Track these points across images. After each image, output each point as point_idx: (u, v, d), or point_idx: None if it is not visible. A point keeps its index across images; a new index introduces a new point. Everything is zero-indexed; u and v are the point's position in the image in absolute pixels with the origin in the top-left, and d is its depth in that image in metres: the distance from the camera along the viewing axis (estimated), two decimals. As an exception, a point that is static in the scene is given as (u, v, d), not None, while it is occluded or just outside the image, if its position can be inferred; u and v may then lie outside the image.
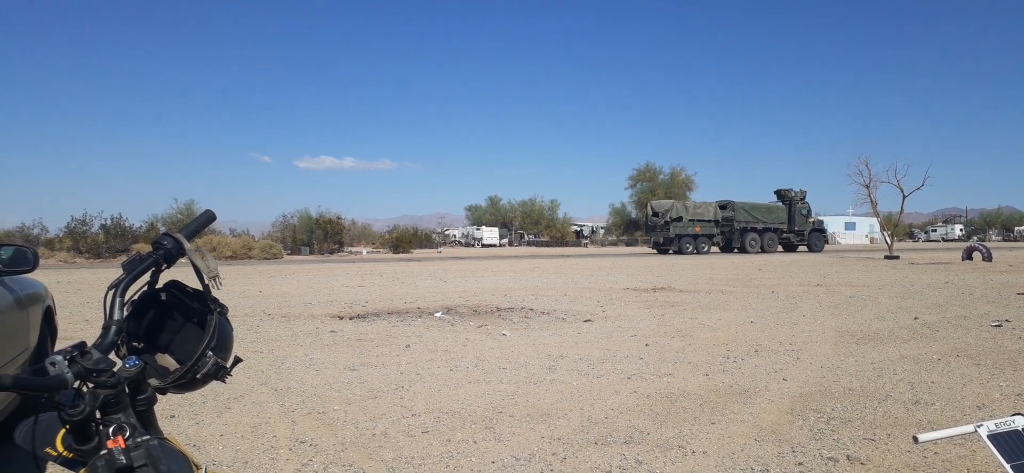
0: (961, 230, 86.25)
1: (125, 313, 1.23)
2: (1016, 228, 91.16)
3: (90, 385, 1.09)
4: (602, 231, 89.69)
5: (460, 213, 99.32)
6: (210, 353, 1.24)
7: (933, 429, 3.46)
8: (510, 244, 79.24)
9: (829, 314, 9.90)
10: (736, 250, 42.35)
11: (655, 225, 43.03)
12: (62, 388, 1.05)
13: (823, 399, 4.90)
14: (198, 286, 1.33)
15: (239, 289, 15.98)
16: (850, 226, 72.58)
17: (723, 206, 43.37)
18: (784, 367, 6.06)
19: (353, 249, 54.66)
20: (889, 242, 35.71)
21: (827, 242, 47.52)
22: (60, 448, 1.17)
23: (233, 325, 1.37)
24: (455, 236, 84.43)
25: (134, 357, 1.18)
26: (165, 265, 1.32)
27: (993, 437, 2.12)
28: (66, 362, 1.07)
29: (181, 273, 1.34)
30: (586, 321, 9.44)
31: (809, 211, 44.34)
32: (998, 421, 2.15)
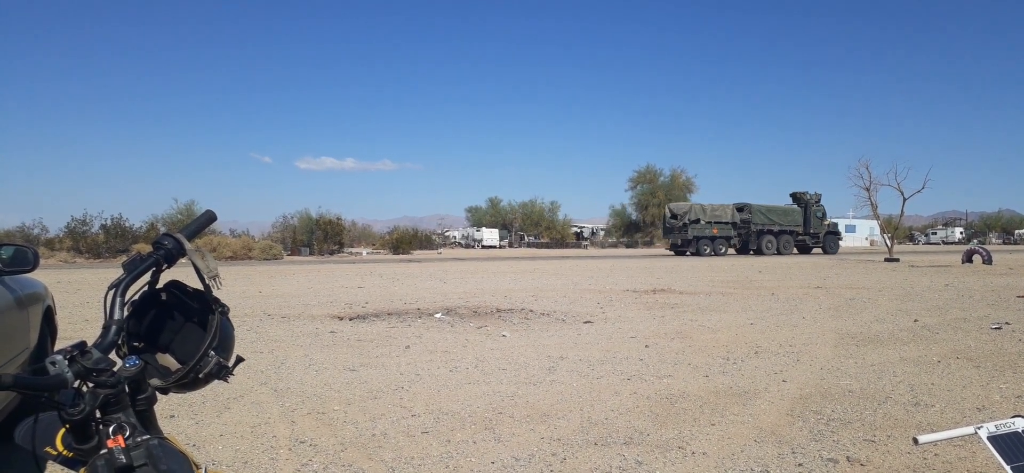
0: (961, 233, 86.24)
1: (125, 313, 1.23)
2: (1016, 231, 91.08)
3: (90, 385, 1.09)
4: (602, 233, 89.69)
5: (460, 214, 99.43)
6: (212, 353, 1.24)
7: (933, 431, 3.46)
8: (510, 245, 79.24)
9: (829, 316, 9.90)
10: (752, 252, 42.61)
11: (673, 227, 43.32)
12: (62, 387, 1.05)
13: (823, 401, 4.89)
14: (198, 286, 1.33)
15: (239, 289, 15.98)
16: (850, 228, 72.53)
17: (740, 208, 43.65)
18: (784, 369, 6.05)
19: (353, 250, 54.67)
20: (889, 245, 35.70)
21: (841, 242, 47.64)
22: (60, 447, 1.17)
23: (233, 325, 1.37)
24: (455, 237, 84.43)
25: (134, 357, 1.18)
26: (165, 265, 1.32)
27: (993, 439, 2.12)
28: (66, 361, 1.07)
29: (182, 273, 1.34)
30: (586, 322, 9.44)
31: (824, 214, 44.62)
32: (998, 423, 2.15)
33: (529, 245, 79.37)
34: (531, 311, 10.88)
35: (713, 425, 4.32)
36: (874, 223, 50.61)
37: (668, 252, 45.89)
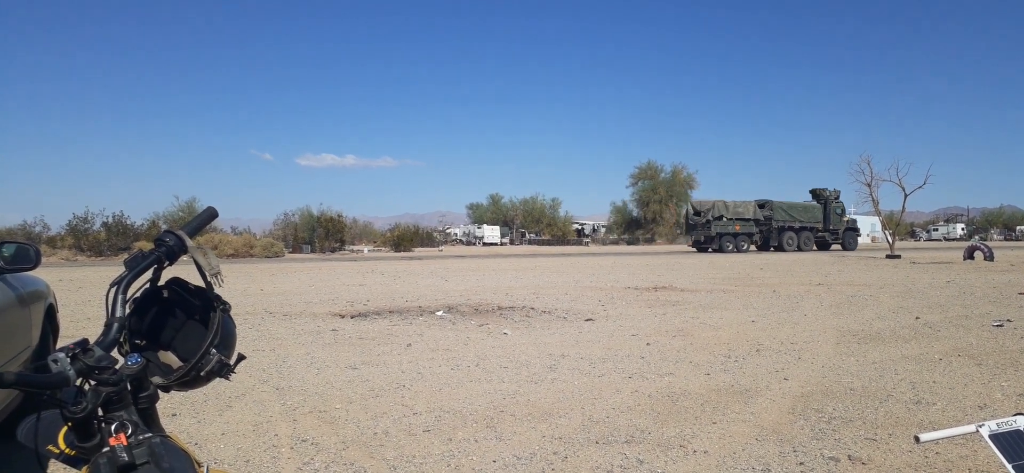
0: (963, 229, 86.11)
1: (127, 310, 1.23)
2: (1018, 227, 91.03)
3: (92, 382, 1.09)
4: (603, 230, 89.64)
5: (461, 211, 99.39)
6: (214, 350, 1.24)
7: (934, 429, 3.46)
8: (511, 243, 79.24)
9: (830, 314, 9.89)
10: (772, 248, 43.09)
11: (696, 224, 43.70)
12: (64, 385, 1.05)
13: (824, 399, 4.89)
14: (200, 283, 1.33)
15: (241, 287, 15.99)
16: (852, 225, 72.49)
17: (762, 205, 44.05)
18: (785, 367, 6.05)
19: (354, 247, 54.69)
20: (891, 241, 35.67)
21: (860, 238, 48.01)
22: (62, 445, 1.17)
23: (235, 323, 1.37)
24: (456, 235, 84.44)
25: (136, 354, 1.18)
26: (167, 262, 1.32)
27: (995, 437, 2.12)
28: (68, 359, 1.07)
29: (183, 271, 1.34)
30: (587, 320, 9.44)
31: (843, 210, 44.92)
32: (1000, 421, 2.15)
33: (530, 242, 79.37)
34: (532, 309, 10.89)
35: (714, 423, 4.32)
36: (875, 219, 50.60)
37: (669, 249, 46.10)
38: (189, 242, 1.33)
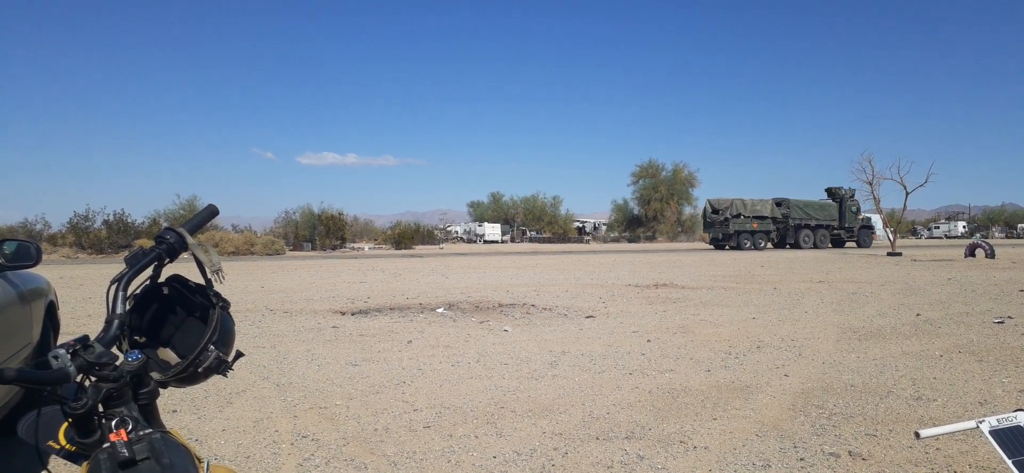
0: (964, 227, 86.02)
1: (127, 307, 1.23)
2: (1019, 225, 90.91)
3: (92, 379, 1.09)
4: (604, 228, 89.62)
5: (462, 209, 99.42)
6: (212, 347, 1.24)
7: (935, 425, 3.46)
8: (512, 240, 79.23)
9: (831, 310, 9.89)
10: (789, 246, 43.52)
11: (714, 221, 44.09)
12: (65, 382, 1.05)
13: (825, 395, 4.89)
14: (200, 280, 1.33)
15: (241, 285, 16.01)
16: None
17: (779, 203, 44.46)
18: (786, 363, 6.05)
19: (355, 245, 54.71)
20: (892, 239, 35.64)
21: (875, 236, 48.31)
22: (63, 441, 1.17)
23: (235, 320, 1.37)
24: (457, 232, 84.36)
25: (136, 351, 1.18)
26: (168, 259, 1.32)
27: (995, 433, 2.12)
28: (69, 356, 1.07)
29: (184, 268, 1.34)
30: (588, 317, 9.44)
31: (858, 208, 45.16)
32: (1000, 417, 2.15)
33: (531, 240, 79.34)
34: (533, 306, 10.89)
35: (715, 419, 4.32)
36: (877, 217, 50.64)
37: (670, 246, 46.28)
38: (190, 239, 1.33)
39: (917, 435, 2.18)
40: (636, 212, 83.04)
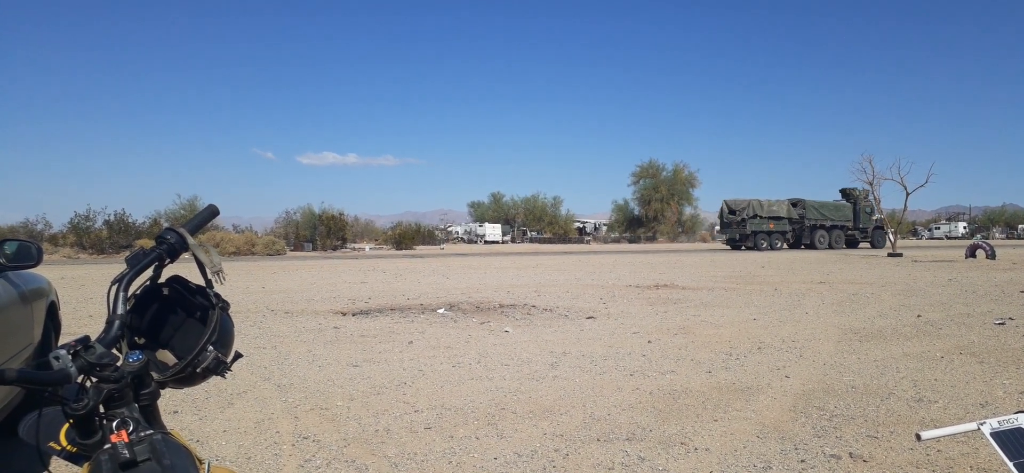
0: (964, 228, 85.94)
1: (128, 308, 1.23)
2: (1020, 226, 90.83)
3: (94, 380, 1.09)
4: (605, 228, 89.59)
5: (463, 210, 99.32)
6: (211, 348, 1.24)
7: (936, 427, 3.46)
8: (513, 241, 79.20)
9: (832, 312, 9.89)
10: (804, 246, 43.93)
11: (731, 222, 44.58)
12: (66, 382, 1.05)
13: (826, 396, 4.89)
14: (201, 281, 1.33)
15: (242, 285, 16.01)
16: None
17: (795, 204, 44.92)
18: (787, 364, 6.05)
19: (356, 245, 54.71)
20: (892, 240, 35.64)
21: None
22: (64, 442, 1.17)
23: (236, 321, 1.37)
24: (458, 233, 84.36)
25: (137, 351, 1.18)
26: (168, 260, 1.32)
27: (996, 435, 2.12)
28: (70, 356, 1.07)
29: (184, 268, 1.34)
30: (589, 318, 9.43)
31: (873, 209, 45.31)
32: (1001, 419, 2.15)
33: (532, 240, 79.32)
34: (534, 307, 10.89)
35: (716, 421, 4.32)
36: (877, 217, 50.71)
37: (671, 247, 46.42)
38: (190, 239, 1.33)
39: (918, 437, 2.17)
40: (636, 212, 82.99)
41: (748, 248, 42.31)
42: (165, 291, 1.34)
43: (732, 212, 44.61)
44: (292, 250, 47.93)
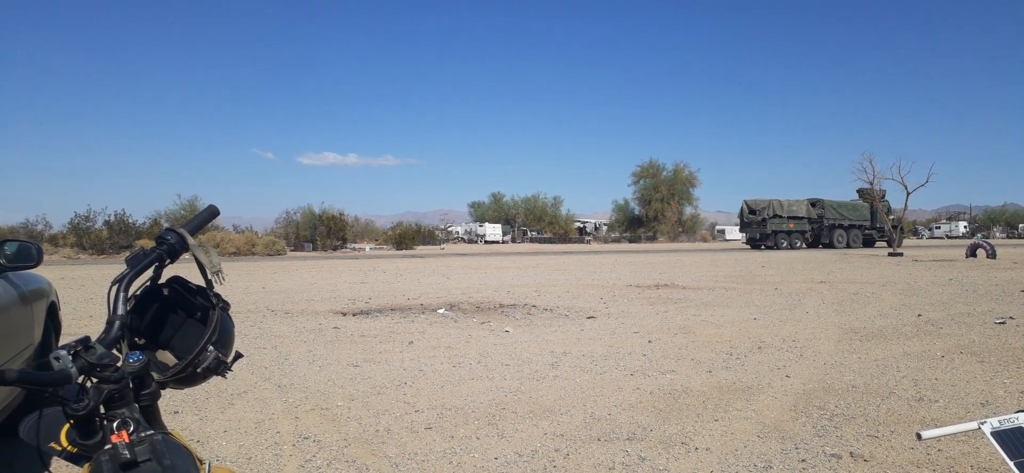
0: (965, 227, 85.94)
1: (128, 308, 1.23)
2: (1020, 225, 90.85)
3: (94, 380, 1.09)
4: (605, 228, 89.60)
5: (463, 210, 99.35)
6: (211, 348, 1.24)
7: (937, 426, 3.45)
8: (513, 241, 79.20)
9: (832, 311, 9.88)
10: (822, 246, 44.36)
11: (751, 222, 45.18)
12: (66, 383, 1.05)
13: (826, 396, 4.89)
14: (201, 281, 1.33)
15: (242, 285, 16.01)
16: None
17: (814, 204, 45.47)
18: (787, 364, 6.05)
19: (356, 246, 54.72)
20: (893, 239, 35.62)
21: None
22: (64, 443, 1.17)
23: (236, 321, 1.37)
24: (458, 233, 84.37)
25: (138, 352, 1.18)
26: (169, 260, 1.32)
27: (997, 434, 2.12)
28: (70, 357, 1.07)
29: (185, 269, 1.34)
30: (589, 318, 9.43)
31: (889, 209, 45.53)
32: (1002, 418, 2.15)
33: (532, 240, 79.32)
34: (534, 306, 10.89)
35: (716, 420, 4.32)
36: (877, 218, 50.82)
37: (671, 247, 46.54)
38: (190, 240, 1.33)
39: (919, 436, 2.17)
40: (637, 212, 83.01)
41: (768, 247, 42.90)
42: (165, 292, 1.34)
43: (752, 212, 45.17)
44: (292, 250, 47.94)
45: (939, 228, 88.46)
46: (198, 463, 1.16)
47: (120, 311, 1.20)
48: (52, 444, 1.19)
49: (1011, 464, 2.04)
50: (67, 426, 1.14)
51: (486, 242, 74.39)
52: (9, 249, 3.86)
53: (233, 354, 1.31)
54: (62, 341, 4.79)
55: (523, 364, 6.16)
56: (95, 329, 4.80)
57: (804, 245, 44.60)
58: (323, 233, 50.63)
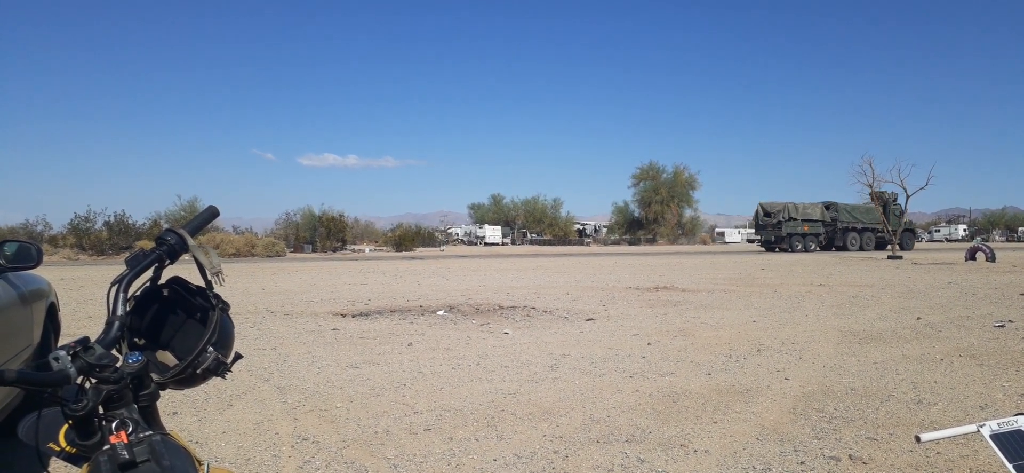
0: (965, 230, 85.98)
1: (128, 309, 1.23)
2: (1020, 228, 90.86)
3: (93, 381, 1.09)
4: (605, 230, 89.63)
5: (463, 211, 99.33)
6: (211, 349, 1.24)
7: (935, 429, 3.45)
8: (513, 242, 79.21)
9: (832, 314, 9.89)
10: (835, 248, 44.62)
11: (766, 224, 45.53)
12: (65, 383, 1.05)
13: (825, 398, 4.89)
14: (201, 282, 1.33)
15: (242, 286, 16.01)
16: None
17: (828, 207, 45.85)
18: (786, 366, 6.05)
19: (356, 247, 54.72)
20: (892, 242, 35.65)
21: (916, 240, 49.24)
22: (63, 443, 1.17)
23: (236, 323, 1.37)
24: (458, 234, 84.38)
25: (137, 353, 1.18)
26: (168, 261, 1.32)
27: (996, 437, 2.12)
28: (69, 357, 1.07)
29: (185, 269, 1.34)
30: (588, 320, 9.43)
31: (901, 212, 45.77)
32: (1001, 421, 2.15)
33: (532, 242, 79.33)
34: (533, 308, 10.89)
35: (715, 423, 4.32)
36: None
37: (671, 249, 46.65)
38: (190, 241, 1.33)
39: (918, 439, 2.17)
40: (637, 214, 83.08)
41: (782, 249, 43.21)
42: (165, 292, 1.34)
43: (767, 214, 45.55)
44: (292, 252, 47.93)
45: (938, 231, 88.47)
46: (197, 464, 1.17)
47: (119, 312, 1.20)
48: (51, 444, 1.19)
49: (1010, 467, 2.04)
50: (66, 426, 1.14)
51: (486, 244, 74.40)
52: (9, 250, 3.86)
53: (233, 355, 1.31)
54: (61, 342, 4.78)
55: (522, 366, 6.16)
56: (95, 330, 4.80)
57: (818, 248, 44.96)
58: (323, 234, 50.63)
